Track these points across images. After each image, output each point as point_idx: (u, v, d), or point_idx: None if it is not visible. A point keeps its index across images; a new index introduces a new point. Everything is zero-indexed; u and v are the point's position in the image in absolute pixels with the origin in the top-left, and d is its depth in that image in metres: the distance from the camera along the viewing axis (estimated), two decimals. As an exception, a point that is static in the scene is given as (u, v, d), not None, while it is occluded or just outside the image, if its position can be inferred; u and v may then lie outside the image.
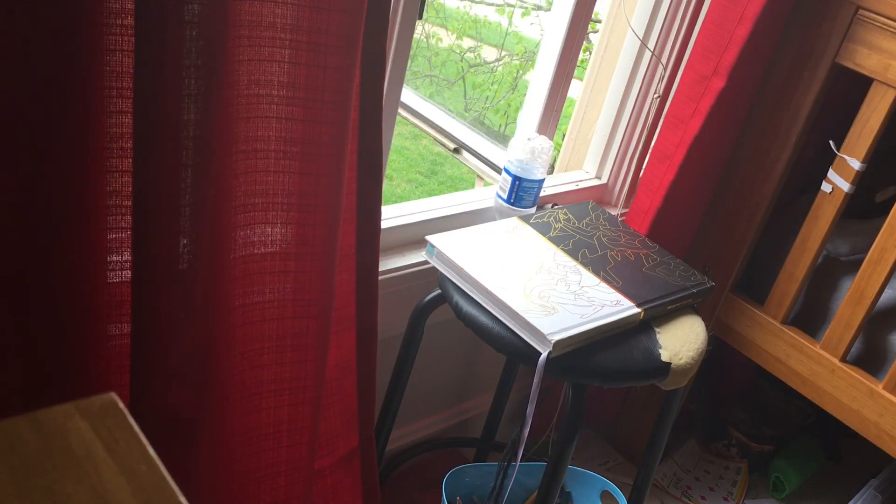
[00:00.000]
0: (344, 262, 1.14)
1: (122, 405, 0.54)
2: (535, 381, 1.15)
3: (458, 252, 1.26)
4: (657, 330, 1.27)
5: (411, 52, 1.31)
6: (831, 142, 1.49)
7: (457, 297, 1.24)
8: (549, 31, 1.58)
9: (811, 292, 1.65)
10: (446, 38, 4.06)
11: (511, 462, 1.39)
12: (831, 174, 1.49)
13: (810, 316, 1.65)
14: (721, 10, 1.47)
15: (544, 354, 1.14)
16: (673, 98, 1.59)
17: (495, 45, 4.08)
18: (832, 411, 1.57)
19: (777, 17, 1.48)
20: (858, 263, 1.50)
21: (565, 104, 1.65)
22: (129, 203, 0.86)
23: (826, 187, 1.50)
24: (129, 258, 0.88)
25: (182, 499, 0.50)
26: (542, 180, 1.52)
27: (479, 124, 3.88)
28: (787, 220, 1.68)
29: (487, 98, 3.97)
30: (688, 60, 1.57)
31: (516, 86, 3.88)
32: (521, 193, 1.50)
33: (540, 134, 1.61)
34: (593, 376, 1.18)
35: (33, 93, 0.75)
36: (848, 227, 1.62)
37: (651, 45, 1.65)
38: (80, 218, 0.81)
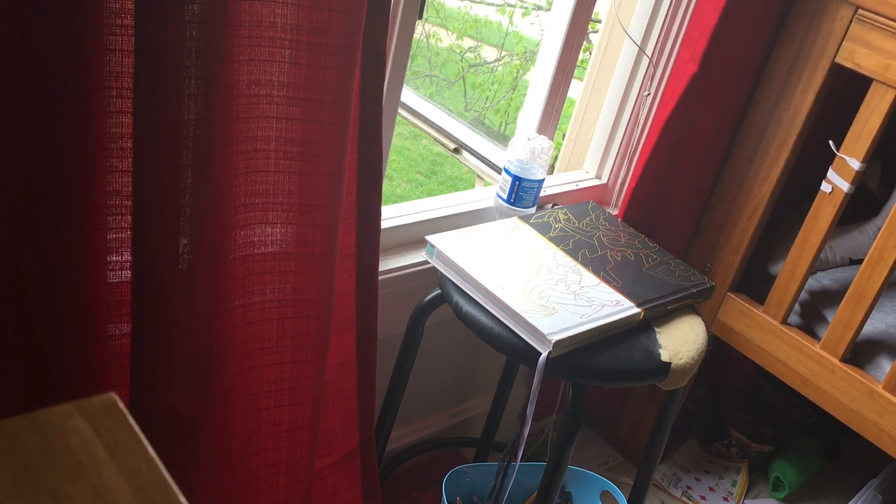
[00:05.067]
0: (344, 262, 1.14)
1: (122, 405, 0.54)
2: (535, 381, 1.15)
3: (458, 252, 1.26)
4: (657, 330, 1.27)
5: (411, 52, 1.31)
6: (831, 142, 1.49)
7: (457, 297, 1.24)
8: (549, 31, 1.58)
9: (757, 261, 1.72)
10: (446, 38, 4.06)
11: (511, 462, 1.39)
12: (831, 174, 1.49)
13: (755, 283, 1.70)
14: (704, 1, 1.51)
15: (544, 354, 1.14)
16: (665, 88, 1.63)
17: (495, 45, 4.08)
18: (832, 411, 1.57)
19: (751, 4, 1.50)
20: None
21: (565, 104, 1.65)
22: (129, 203, 0.86)
23: (826, 187, 1.50)
24: (129, 258, 0.88)
25: (182, 499, 0.50)
26: (542, 180, 1.52)
27: (479, 124, 3.88)
28: (788, 222, 1.68)
29: (487, 98, 3.97)
30: (678, 52, 1.60)
31: (516, 86, 3.88)
32: (521, 193, 1.50)
33: (540, 134, 1.61)
34: (593, 376, 1.18)
35: (33, 93, 0.75)
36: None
37: (648, 50, 1.65)
38: (80, 218, 0.81)
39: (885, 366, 1.50)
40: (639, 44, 1.64)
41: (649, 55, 1.65)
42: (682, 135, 1.60)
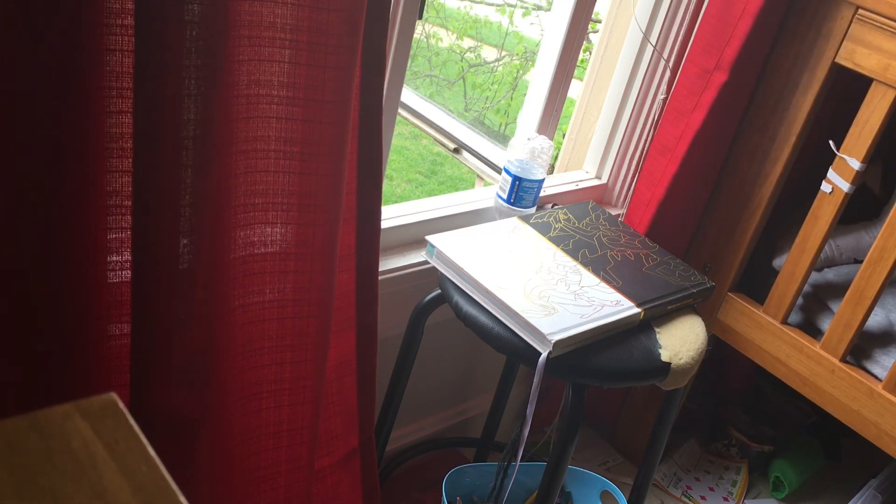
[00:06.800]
0: (344, 262, 1.14)
1: (122, 405, 0.54)
2: (535, 381, 1.15)
3: (458, 252, 1.26)
4: (657, 330, 1.27)
5: (411, 52, 1.31)
6: (831, 142, 1.49)
7: (457, 297, 1.24)
8: (549, 31, 1.58)
9: (758, 260, 1.72)
10: (446, 38, 4.06)
11: (511, 462, 1.39)
12: (831, 174, 1.49)
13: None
14: (723, 3, 1.48)
15: (544, 354, 1.14)
16: (674, 92, 1.59)
17: (495, 45, 4.08)
18: (832, 411, 1.57)
19: (776, 10, 1.48)
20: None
21: (565, 104, 1.65)
22: (129, 203, 0.86)
23: (826, 187, 1.50)
24: (129, 258, 0.88)
25: (182, 499, 0.50)
26: (542, 180, 1.52)
27: (479, 124, 3.88)
28: (791, 219, 1.68)
29: (487, 98, 3.97)
30: (688, 54, 1.57)
31: (516, 86, 3.88)
32: (521, 193, 1.50)
33: (540, 134, 1.61)
34: (593, 376, 1.18)
35: (33, 93, 0.75)
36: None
37: (653, 40, 1.65)
38: (80, 218, 0.81)
39: (886, 363, 1.50)
40: (643, 30, 1.63)
41: (653, 43, 1.64)
42: (711, 143, 1.58)
